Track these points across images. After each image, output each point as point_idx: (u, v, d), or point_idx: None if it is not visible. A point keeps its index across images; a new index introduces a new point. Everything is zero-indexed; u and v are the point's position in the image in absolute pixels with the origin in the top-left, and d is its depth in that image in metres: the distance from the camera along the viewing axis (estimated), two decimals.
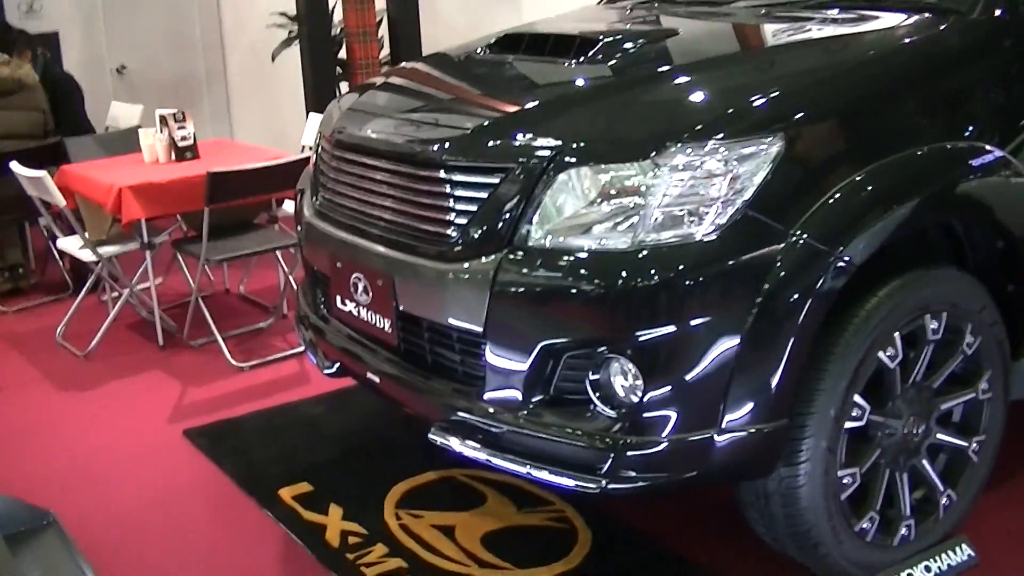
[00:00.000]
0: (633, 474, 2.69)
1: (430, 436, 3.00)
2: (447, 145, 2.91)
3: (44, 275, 6.47)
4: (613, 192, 2.67)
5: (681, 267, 2.60)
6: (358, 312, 3.21)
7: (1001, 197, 3.00)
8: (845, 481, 2.91)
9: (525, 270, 2.72)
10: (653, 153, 2.64)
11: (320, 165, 3.51)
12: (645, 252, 2.62)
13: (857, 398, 2.85)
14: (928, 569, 3.04)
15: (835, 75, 2.91)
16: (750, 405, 2.67)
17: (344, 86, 6.47)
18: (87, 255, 5.10)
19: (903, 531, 3.07)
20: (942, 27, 3.11)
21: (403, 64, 3.80)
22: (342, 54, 6.47)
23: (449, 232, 2.88)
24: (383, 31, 6.37)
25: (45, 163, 5.45)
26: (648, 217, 2.63)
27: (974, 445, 3.14)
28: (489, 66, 3.47)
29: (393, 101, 3.50)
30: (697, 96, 2.93)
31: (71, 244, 5.26)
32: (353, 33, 6.19)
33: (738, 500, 3.03)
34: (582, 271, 2.66)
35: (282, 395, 4.59)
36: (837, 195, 2.70)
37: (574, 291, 2.67)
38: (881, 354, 2.86)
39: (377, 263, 3.08)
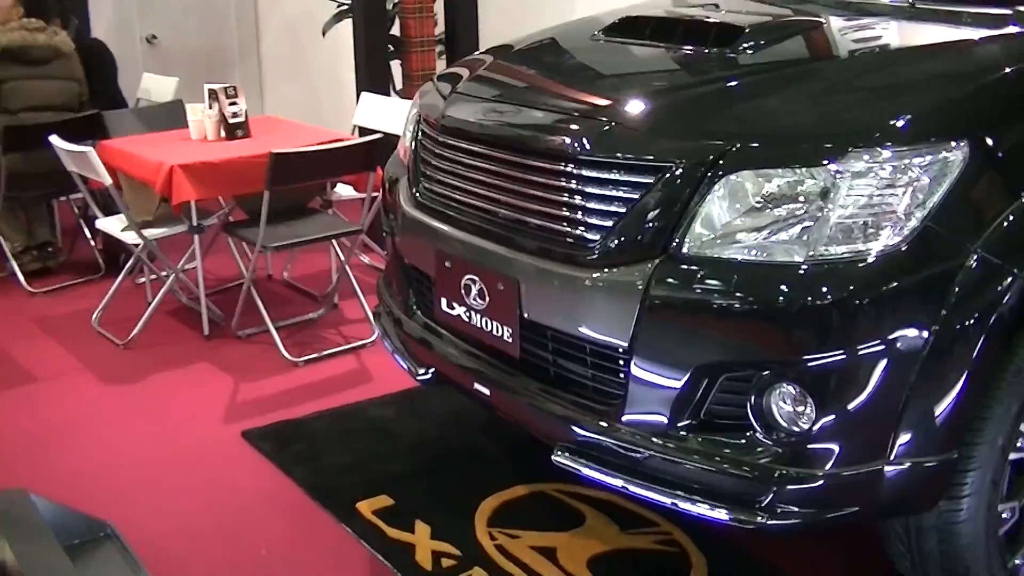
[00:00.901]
0: (795, 509, 2.45)
1: (555, 459, 2.75)
2: (594, 139, 2.64)
3: (72, 254, 6.15)
4: (785, 199, 2.42)
5: (859, 284, 2.35)
6: (469, 317, 2.95)
7: None
8: (1004, 516, 2.69)
9: (683, 281, 2.47)
10: (833, 158, 2.38)
11: (422, 153, 3.23)
12: (819, 267, 2.37)
13: (1023, 428, 2.62)
14: None
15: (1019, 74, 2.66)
16: (922, 435, 2.43)
17: (396, 65, 6.18)
18: (130, 237, 4.80)
19: None
20: None
21: (508, 45, 3.51)
22: (394, 30, 6.17)
23: (592, 235, 2.62)
24: (438, 8, 6.07)
25: (82, 137, 5.16)
26: (823, 229, 2.38)
27: None
28: (617, 52, 3.19)
29: (515, 86, 3.21)
30: (873, 96, 2.66)
31: (112, 225, 4.97)
32: (409, 9, 5.90)
33: (884, 533, 2.79)
34: (749, 285, 2.41)
35: (343, 394, 4.32)
36: (1020, 208, 2.46)
37: (739, 306, 2.42)
38: None
39: (499, 265, 2.82)
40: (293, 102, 7.95)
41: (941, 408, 2.42)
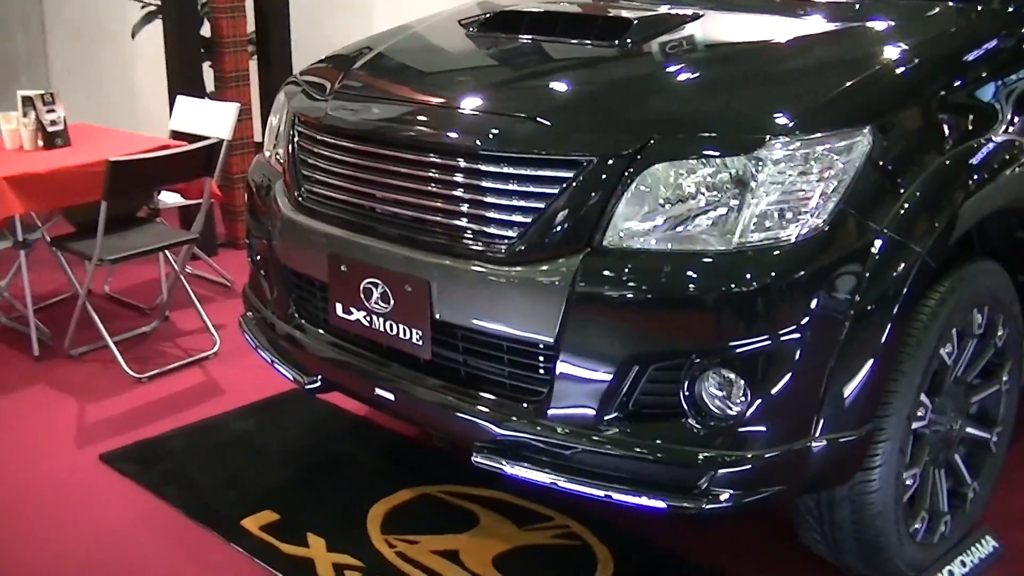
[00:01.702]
0: (729, 492, 2.49)
1: (475, 460, 2.71)
2: (510, 135, 2.60)
3: None
4: (710, 189, 2.45)
5: (781, 269, 2.41)
6: (370, 322, 2.86)
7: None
8: (908, 483, 2.82)
9: (609, 274, 2.47)
10: (752, 148, 2.43)
11: (302, 155, 3.11)
12: (743, 254, 2.42)
13: (923, 397, 2.75)
14: (963, 564, 3.04)
15: (907, 62, 2.78)
16: (842, 412, 2.52)
17: (207, 67, 5.93)
18: None
19: (942, 528, 3.01)
20: (972, 15, 3.04)
21: (381, 40, 3.41)
22: (204, 31, 5.93)
23: (512, 232, 2.58)
24: (247, 7, 5.87)
25: None
26: (748, 216, 2.43)
27: (995, 436, 3.12)
28: (504, 47, 3.15)
29: (408, 84, 3.12)
30: (781, 85, 2.73)
31: None
32: (220, 8, 5.67)
33: (795, 512, 2.88)
34: (675, 275, 2.43)
35: (197, 409, 4.13)
36: (920, 189, 2.58)
37: (667, 297, 2.44)
38: (943, 351, 2.77)
39: (406, 267, 2.74)
40: (84, 108, 7.52)
41: (858, 384, 2.51)
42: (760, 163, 2.42)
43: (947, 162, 2.66)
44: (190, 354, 4.60)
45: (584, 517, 3.31)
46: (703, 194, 2.45)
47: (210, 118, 5.17)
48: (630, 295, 2.45)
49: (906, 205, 2.55)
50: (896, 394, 2.63)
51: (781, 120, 2.48)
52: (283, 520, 3.34)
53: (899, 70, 2.75)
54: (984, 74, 2.89)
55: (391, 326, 2.81)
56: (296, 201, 3.09)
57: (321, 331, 3.11)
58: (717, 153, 2.45)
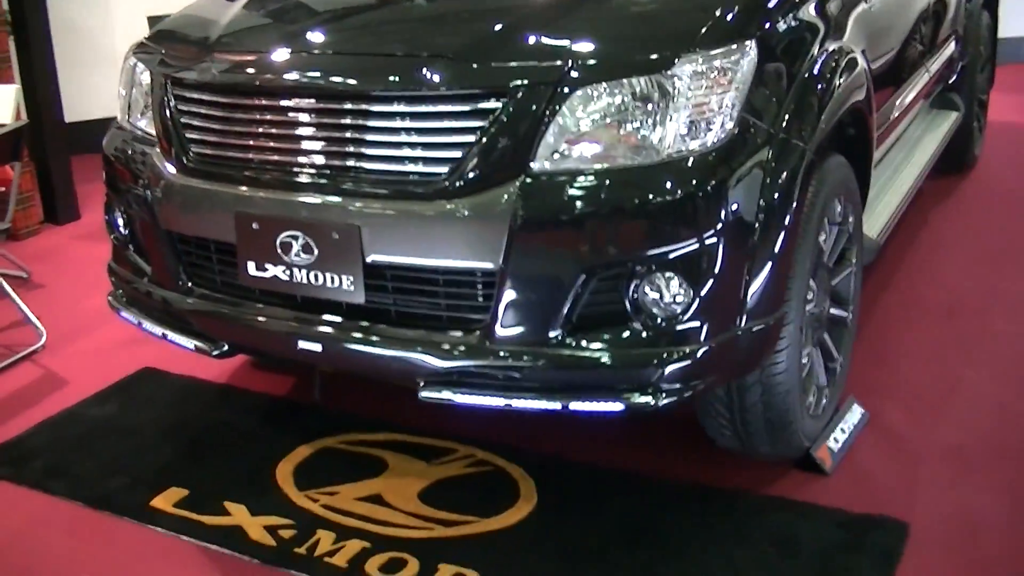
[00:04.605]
0: (676, 386, 2.68)
1: (422, 395, 2.78)
2: (430, 75, 2.65)
3: None
4: (633, 106, 2.60)
5: (704, 175, 2.61)
6: (290, 275, 2.86)
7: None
8: (804, 361, 3.09)
9: (549, 196, 2.59)
10: (668, 65, 2.60)
11: (183, 117, 3.03)
12: (672, 163, 2.60)
13: (811, 282, 3.04)
14: (843, 431, 3.37)
15: None
16: (759, 300, 2.75)
17: None
18: None
19: (824, 400, 3.31)
20: None
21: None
22: None
23: (443, 168, 2.65)
24: None
25: None
26: (670, 129, 2.60)
27: (849, 314, 3.46)
28: None
29: (304, 33, 3.09)
30: (682, 4, 2.91)
31: None
32: None
33: (702, 407, 3.09)
34: (611, 189, 2.58)
35: (45, 404, 3.91)
36: (796, 93, 2.84)
37: (606, 211, 2.59)
38: (820, 239, 3.06)
39: (329, 215, 2.76)
40: None
41: (768, 273, 2.75)
42: (676, 79, 2.59)
43: (811, 68, 2.92)
44: (16, 350, 4.35)
45: (485, 444, 3.42)
46: (628, 112, 2.60)
47: None
48: (571, 214, 2.58)
49: (790, 108, 2.81)
50: (795, 280, 2.89)
51: (688, 39, 2.66)
52: (193, 494, 3.27)
53: None
54: None
55: (315, 276, 2.82)
56: (182, 165, 3.01)
57: (221, 295, 3.06)
58: (637, 72, 2.60)
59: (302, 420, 3.68)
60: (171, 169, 3.04)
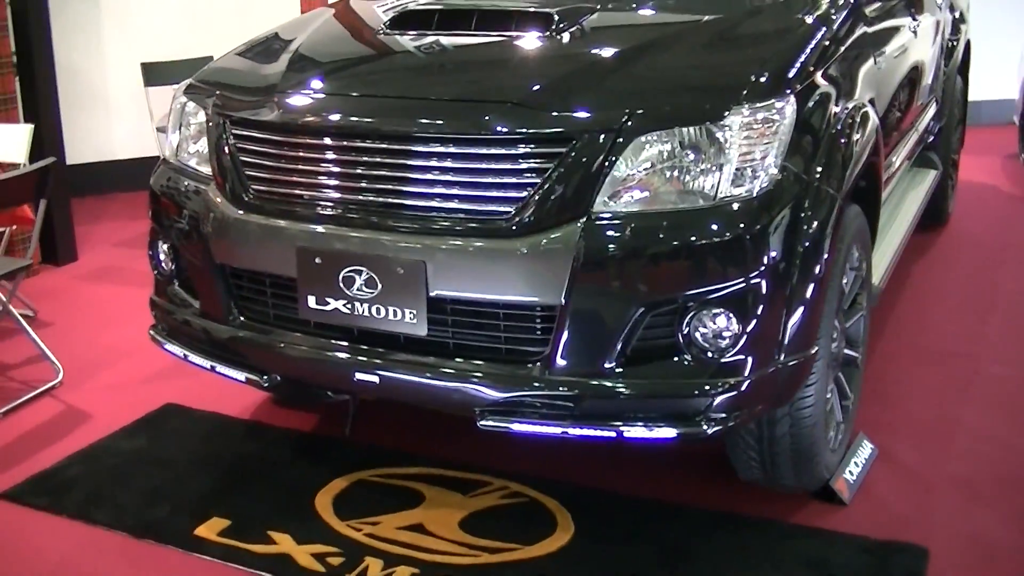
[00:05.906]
0: (723, 415, 2.85)
1: (481, 423, 2.91)
2: (499, 120, 2.83)
3: None
4: (687, 154, 2.79)
5: (754, 218, 2.80)
6: (351, 308, 2.99)
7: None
8: (828, 396, 3.28)
9: (610, 237, 2.76)
10: (721, 116, 2.80)
11: (244, 156, 3.17)
12: (724, 208, 2.79)
13: (835, 322, 3.23)
14: (856, 464, 3.55)
15: (806, 37, 3.24)
16: (797, 336, 2.94)
17: None
18: None
19: (840, 436, 3.50)
20: None
21: (291, 33, 3.51)
22: None
23: (509, 207, 2.81)
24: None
25: None
26: (723, 175, 2.80)
27: (860, 355, 3.66)
28: (436, 44, 3.35)
29: (353, 76, 3.29)
30: (725, 61, 3.12)
31: None
32: None
33: (731, 440, 3.26)
34: (668, 231, 2.77)
35: (72, 439, 3.98)
36: (827, 145, 3.06)
37: (663, 251, 2.77)
38: (844, 282, 3.27)
39: (395, 250, 2.90)
40: None
41: (805, 312, 2.94)
42: (727, 129, 2.79)
43: (837, 123, 3.14)
44: (34, 386, 4.42)
45: (516, 477, 3.55)
46: (682, 159, 2.79)
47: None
48: (629, 254, 2.76)
49: (823, 159, 3.02)
50: (825, 319, 3.08)
51: (736, 92, 2.86)
52: (236, 523, 3.36)
53: (803, 46, 3.20)
54: (843, 47, 3.41)
55: (378, 309, 2.95)
56: (241, 201, 3.14)
57: (274, 327, 3.18)
58: (690, 123, 2.80)
59: (334, 454, 3.78)
60: (228, 205, 3.17)
